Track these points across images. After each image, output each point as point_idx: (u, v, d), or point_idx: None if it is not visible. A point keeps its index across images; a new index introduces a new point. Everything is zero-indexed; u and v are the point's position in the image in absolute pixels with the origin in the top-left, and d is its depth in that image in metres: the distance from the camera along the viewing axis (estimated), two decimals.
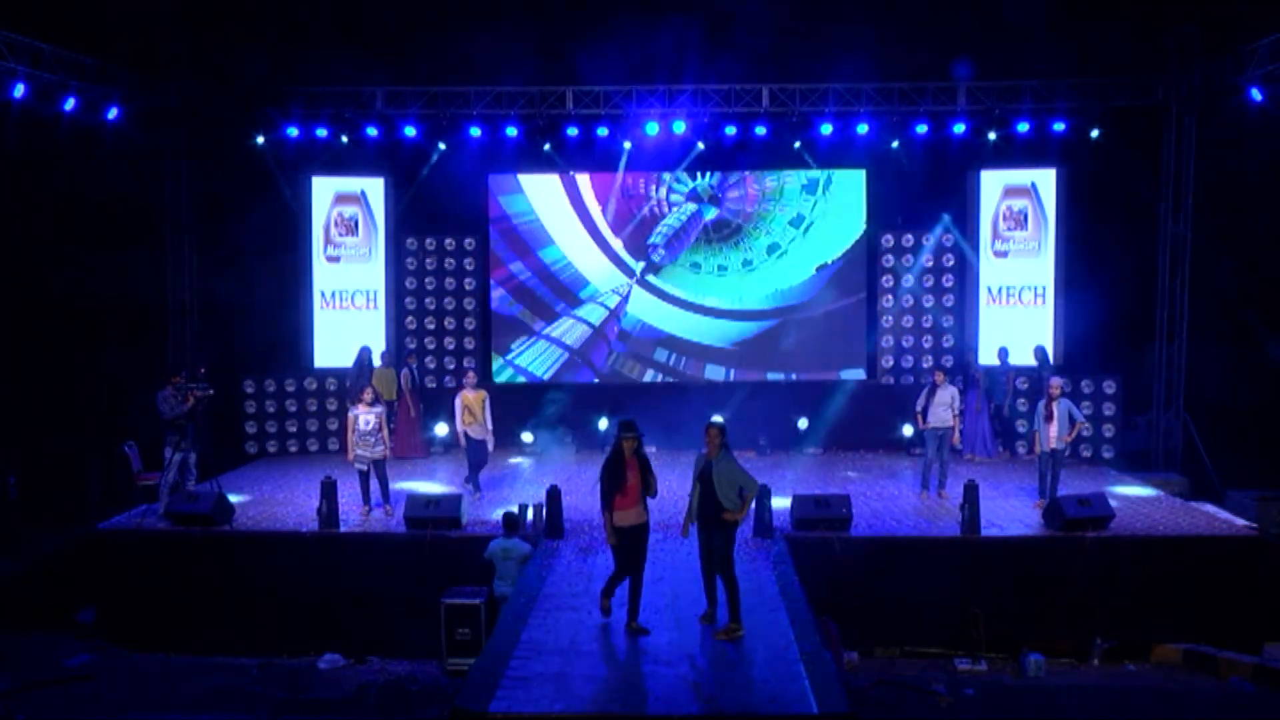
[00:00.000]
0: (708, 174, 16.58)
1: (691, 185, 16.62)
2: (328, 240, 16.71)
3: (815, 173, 16.44)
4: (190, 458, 12.77)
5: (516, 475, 14.75)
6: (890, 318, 16.73)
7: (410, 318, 17.04)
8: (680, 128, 15.38)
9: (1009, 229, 16.41)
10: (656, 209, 16.69)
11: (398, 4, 15.49)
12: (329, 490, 11.66)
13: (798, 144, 15.86)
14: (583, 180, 16.72)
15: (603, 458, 8.66)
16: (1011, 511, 12.35)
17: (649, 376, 16.86)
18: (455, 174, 16.46)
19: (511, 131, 15.60)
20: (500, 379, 16.87)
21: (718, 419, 15.38)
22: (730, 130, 15.68)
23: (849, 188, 16.58)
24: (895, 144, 15.89)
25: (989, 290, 16.45)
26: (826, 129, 15.44)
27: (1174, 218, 15.36)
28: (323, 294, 16.72)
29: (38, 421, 14.22)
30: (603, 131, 15.76)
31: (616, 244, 16.76)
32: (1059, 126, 15.36)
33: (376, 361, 15.69)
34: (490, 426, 13.04)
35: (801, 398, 16.60)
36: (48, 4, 13.24)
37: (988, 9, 14.66)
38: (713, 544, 8.49)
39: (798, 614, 8.83)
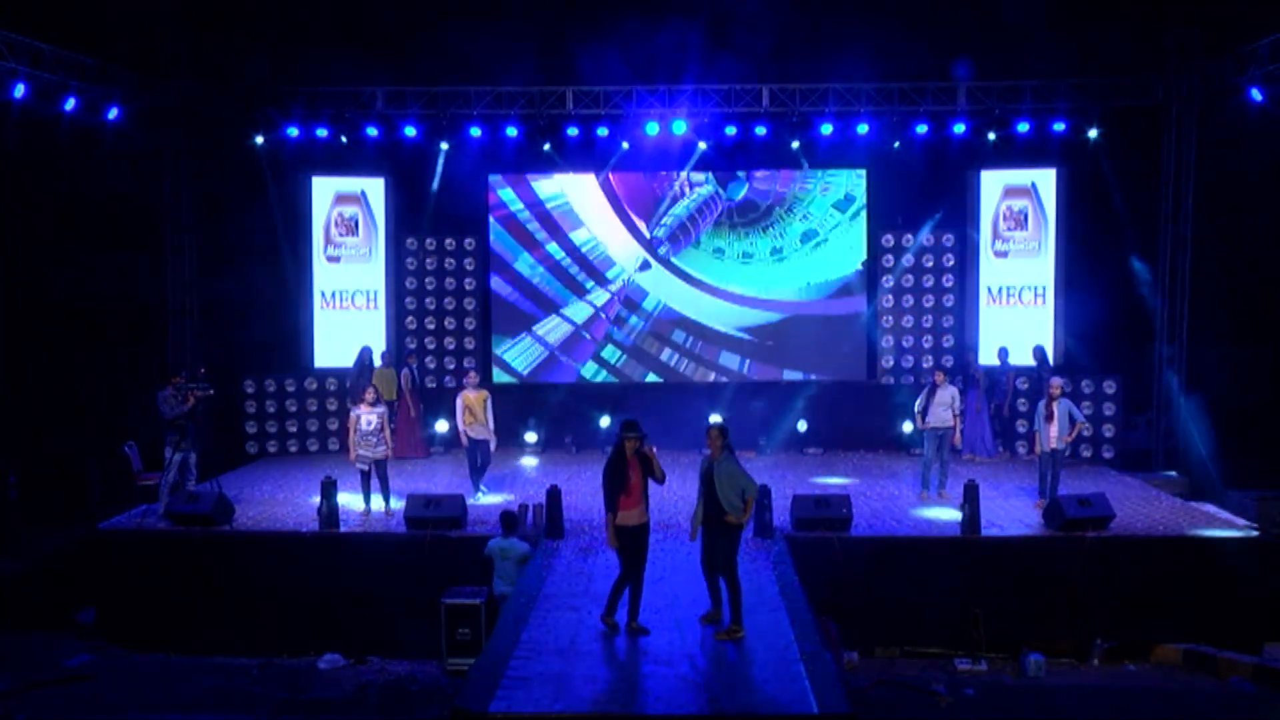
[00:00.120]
0: (707, 174, 16.60)
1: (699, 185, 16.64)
2: (328, 240, 16.71)
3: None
4: (190, 458, 12.76)
5: (518, 475, 14.76)
6: (890, 318, 16.73)
7: (410, 318, 17.04)
8: (680, 128, 15.38)
9: (1009, 229, 16.41)
10: (664, 203, 16.69)
11: (398, 4, 15.49)
12: (329, 490, 11.66)
13: (796, 144, 15.85)
14: (583, 179, 16.72)
15: (603, 458, 8.65)
16: (1011, 511, 12.35)
17: (666, 355, 16.79)
18: (455, 174, 16.46)
19: (511, 131, 15.60)
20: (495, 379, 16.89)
21: (715, 418, 15.52)
22: (730, 130, 15.68)
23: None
24: (896, 144, 15.87)
25: (989, 290, 16.45)
26: (826, 129, 15.45)
27: (1174, 218, 15.35)
28: (323, 294, 16.72)
29: (38, 421, 14.23)
30: (603, 131, 15.76)
31: (617, 240, 16.76)
32: (1059, 126, 15.37)
33: (377, 361, 15.69)
34: (492, 426, 13.03)
35: (803, 398, 16.60)
36: (48, 4, 13.24)
37: (988, 9, 14.65)
38: (715, 545, 8.48)
39: (798, 614, 8.82)
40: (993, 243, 16.46)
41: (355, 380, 15.35)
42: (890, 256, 16.72)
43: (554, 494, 11.56)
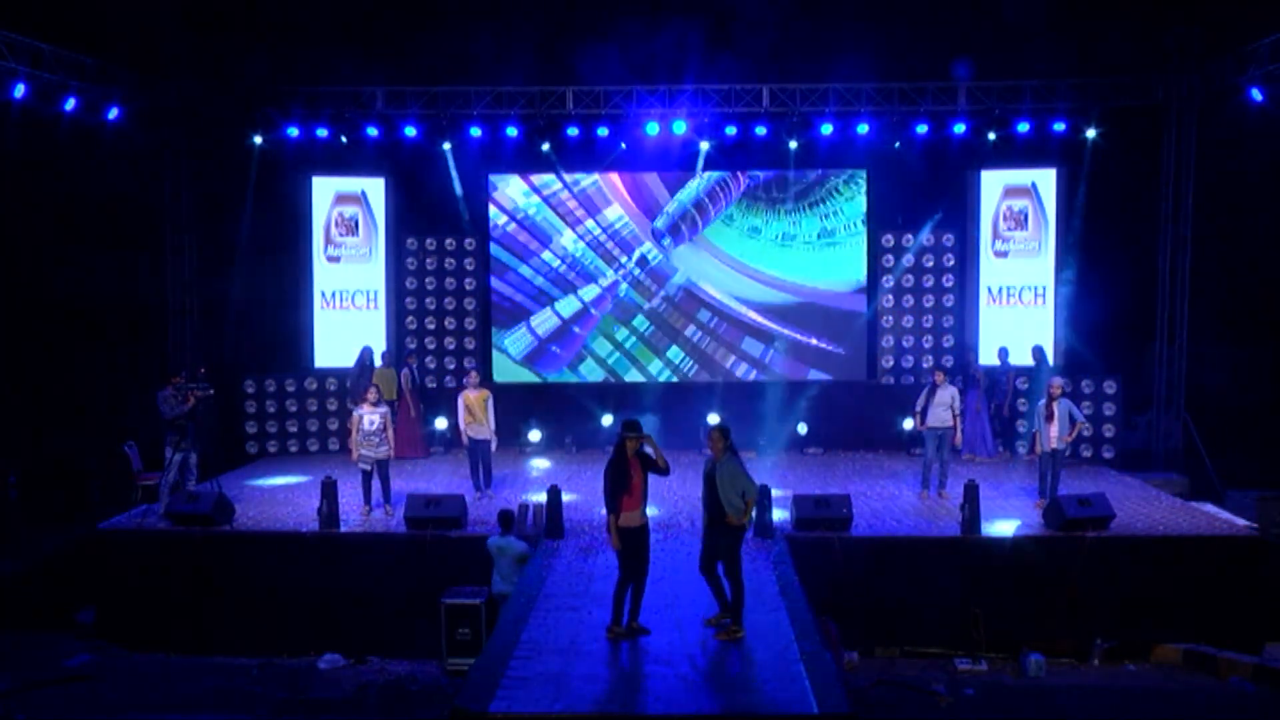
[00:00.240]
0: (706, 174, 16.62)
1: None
2: (328, 240, 16.71)
3: None
4: (191, 458, 12.77)
5: (518, 475, 14.75)
6: (890, 318, 16.73)
7: (410, 318, 17.05)
8: (680, 128, 15.38)
9: (1009, 229, 16.42)
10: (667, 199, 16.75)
11: (398, 4, 15.50)
12: (329, 490, 11.66)
13: (794, 144, 15.86)
14: (583, 179, 16.72)
15: (603, 457, 8.64)
16: (1012, 511, 12.35)
17: (690, 331, 16.77)
18: (455, 174, 16.45)
19: (512, 131, 15.61)
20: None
21: (714, 419, 15.52)
22: (730, 130, 15.68)
23: None
24: (896, 144, 15.87)
25: (989, 290, 16.46)
26: (827, 129, 15.45)
27: (1174, 218, 15.35)
28: (323, 294, 16.72)
29: (38, 421, 14.23)
30: (603, 131, 15.76)
31: (618, 240, 16.77)
32: (1059, 126, 15.37)
33: (377, 362, 15.69)
34: (493, 427, 13.02)
35: (803, 399, 16.60)
36: (48, 4, 13.24)
37: (988, 9, 14.66)
38: (717, 546, 8.48)
39: (798, 614, 8.83)
40: (993, 243, 16.46)
41: (356, 380, 15.35)
42: (890, 256, 16.72)
43: (554, 494, 11.56)
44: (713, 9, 14.85)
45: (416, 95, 15.58)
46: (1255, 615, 10.91)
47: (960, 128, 15.51)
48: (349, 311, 16.78)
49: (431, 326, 17.09)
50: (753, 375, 16.84)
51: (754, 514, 8.60)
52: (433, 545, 11.28)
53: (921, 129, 15.53)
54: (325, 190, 16.65)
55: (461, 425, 12.96)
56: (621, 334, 16.89)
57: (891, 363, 16.74)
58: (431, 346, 17.06)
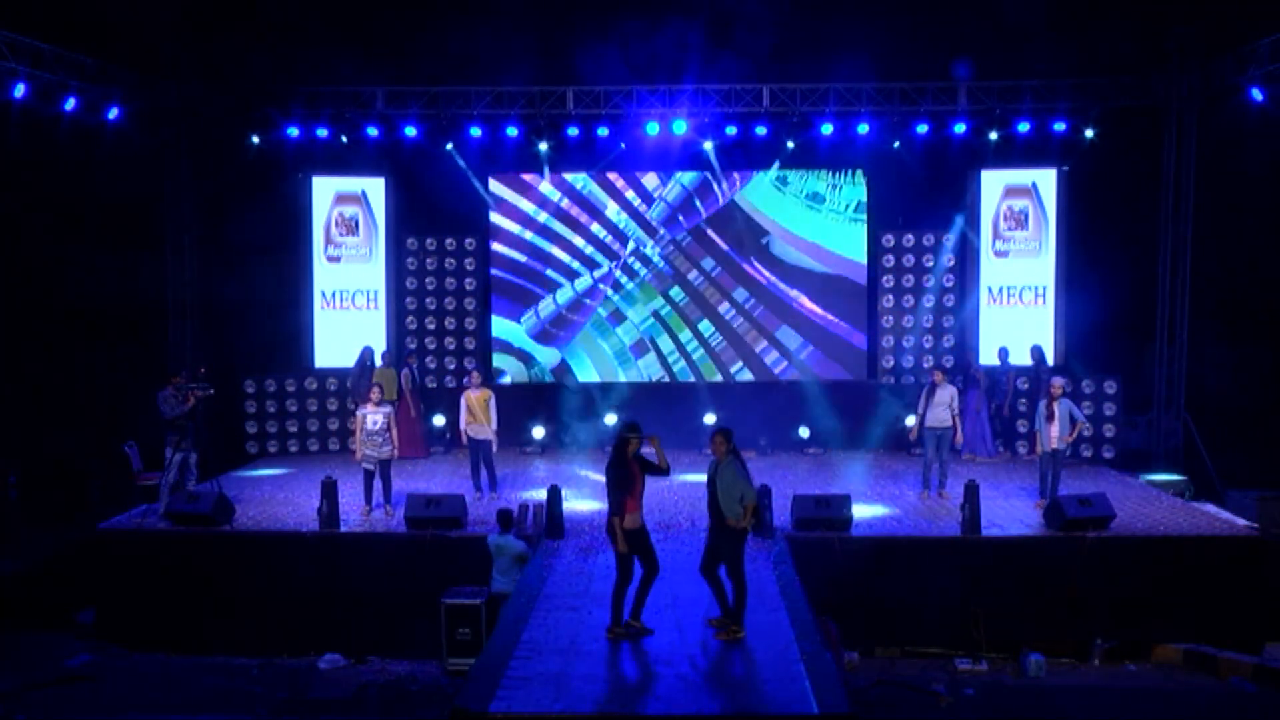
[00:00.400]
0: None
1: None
2: (328, 240, 16.71)
3: None
4: (191, 458, 12.77)
5: (518, 474, 14.74)
6: (890, 318, 16.73)
7: (410, 318, 17.05)
8: (681, 128, 15.38)
9: (1009, 229, 16.42)
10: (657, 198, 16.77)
11: (398, 4, 15.49)
12: (329, 490, 11.65)
13: (791, 144, 15.85)
14: (583, 179, 16.73)
15: (604, 458, 8.63)
16: (1012, 511, 12.35)
17: (724, 309, 16.76)
18: (455, 174, 16.45)
19: (512, 131, 15.61)
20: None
21: (710, 418, 15.51)
22: (731, 130, 15.67)
23: None
24: (896, 144, 15.87)
25: (989, 290, 16.45)
26: (827, 129, 15.44)
27: (1174, 218, 15.35)
28: (323, 294, 16.72)
29: (38, 421, 14.21)
30: (603, 131, 15.76)
31: (618, 239, 16.78)
32: (1059, 126, 15.36)
33: (378, 361, 15.69)
34: (495, 427, 13.02)
35: (803, 399, 16.61)
36: (48, 4, 13.23)
37: (988, 9, 14.64)
38: (719, 548, 8.48)
39: (798, 614, 8.83)
40: (993, 243, 16.46)
41: (356, 380, 15.36)
42: (890, 256, 16.71)
43: (554, 494, 11.56)
44: (713, 9, 14.83)
45: (416, 95, 15.58)
46: (1255, 615, 10.92)
47: (960, 128, 15.51)
48: (349, 311, 16.78)
49: (431, 326, 17.09)
50: (782, 365, 16.83)
51: (754, 518, 8.54)
52: (433, 545, 11.28)
53: (921, 129, 15.53)
54: (325, 190, 16.65)
55: (463, 425, 12.96)
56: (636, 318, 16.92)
57: (891, 363, 16.73)
58: (431, 346, 17.06)
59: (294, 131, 15.59)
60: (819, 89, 15.34)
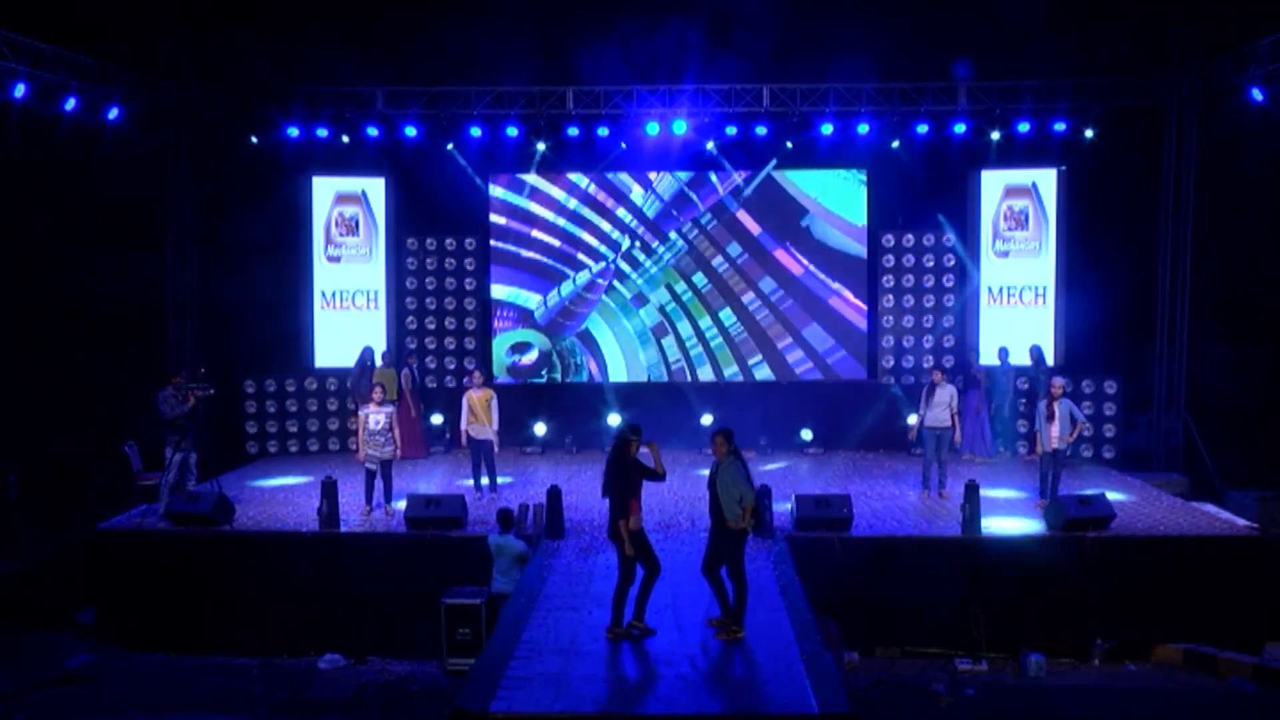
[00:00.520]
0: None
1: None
2: (328, 240, 16.71)
3: None
4: (191, 458, 12.77)
5: (518, 474, 14.74)
6: (890, 318, 16.73)
7: (410, 318, 17.05)
8: (681, 128, 15.38)
9: (1010, 229, 16.41)
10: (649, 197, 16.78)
11: (398, 4, 15.49)
12: (329, 490, 11.65)
13: (790, 144, 15.84)
14: (583, 179, 16.74)
15: (604, 458, 8.61)
16: (1012, 511, 12.35)
17: (749, 298, 16.73)
18: (455, 174, 16.46)
19: (512, 131, 15.61)
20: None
21: (707, 420, 15.50)
22: (731, 130, 15.67)
23: None
24: (896, 144, 15.87)
25: (989, 290, 16.46)
26: (827, 129, 15.44)
27: (1174, 218, 15.35)
28: (323, 294, 16.72)
29: (38, 421, 14.21)
30: (603, 131, 15.77)
31: (617, 239, 16.78)
32: (1059, 126, 15.37)
33: (378, 361, 15.69)
34: (496, 427, 13.01)
35: (803, 398, 16.61)
36: (48, 4, 13.23)
37: (988, 9, 14.64)
38: (720, 548, 8.48)
39: (798, 614, 8.83)
40: (993, 243, 16.46)
41: (357, 380, 15.36)
42: (890, 256, 16.71)
43: (554, 494, 11.56)
44: (713, 9, 14.83)
45: (416, 95, 15.58)
46: (1255, 615, 10.92)
47: (960, 128, 15.52)
48: (349, 311, 16.77)
49: (431, 326, 17.09)
50: (806, 365, 16.82)
51: (753, 519, 8.54)
52: (433, 545, 11.28)
53: (922, 129, 15.54)
54: (325, 190, 16.65)
55: (464, 425, 12.96)
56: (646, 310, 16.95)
57: (891, 363, 16.73)
58: (431, 346, 17.06)
59: (294, 131, 15.60)
60: (819, 89, 15.34)
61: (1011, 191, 16.40)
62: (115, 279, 14.90)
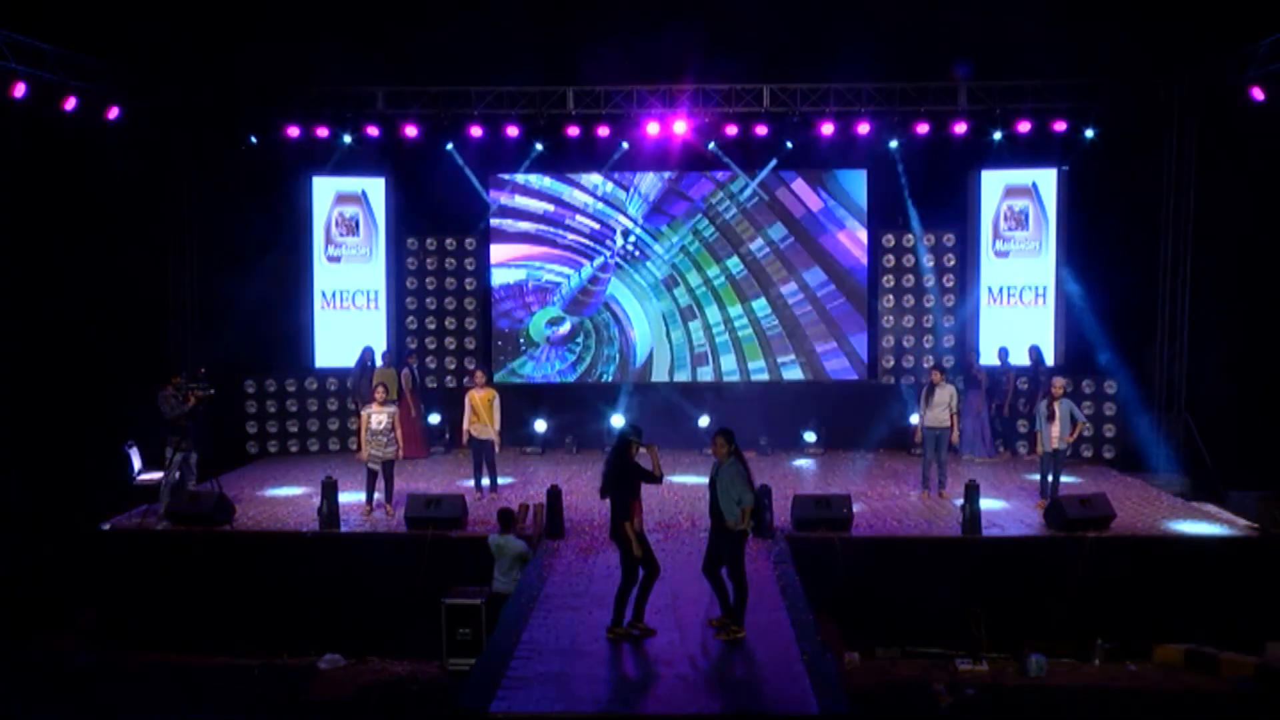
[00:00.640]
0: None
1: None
2: (328, 240, 16.71)
3: None
4: (191, 458, 12.76)
5: (518, 474, 14.74)
6: (890, 318, 16.73)
7: (411, 318, 17.05)
8: (681, 128, 15.37)
9: (1010, 229, 16.41)
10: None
11: (398, 4, 15.48)
12: (329, 490, 11.65)
13: (789, 144, 15.83)
14: (583, 179, 16.74)
15: (604, 458, 8.61)
16: (1012, 511, 12.35)
17: (758, 303, 16.77)
18: (455, 174, 16.45)
19: (512, 131, 15.60)
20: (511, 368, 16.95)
21: (704, 421, 15.50)
22: (731, 130, 15.67)
23: None
24: (895, 144, 15.86)
25: (989, 290, 16.45)
26: (827, 129, 15.44)
27: (1174, 217, 15.33)
28: (323, 294, 16.72)
29: (38, 421, 14.20)
30: (603, 131, 15.75)
31: (618, 238, 16.79)
32: (1060, 126, 15.34)
33: (378, 361, 15.69)
34: (497, 427, 13.00)
35: (803, 399, 16.60)
36: (49, 4, 13.22)
37: (988, 9, 14.63)
38: (720, 549, 8.48)
39: (798, 614, 8.83)
40: (993, 243, 16.46)
41: (357, 380, 15.35)
42: (890, 256, 16.71)
43: (554, 494, 11.56)
44: (713, 9, 14.82)
45: (416, 95, 15.56)
46: (1256, 615, 10.92)
47: (961, 127, 15.49)
48: (349, 311, 16.77)
49: (432, 326, 17.09)
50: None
51: (751, 521, 8.53)
52: (433, 545, 11.28)
53: (922, 129, 15.51)
54: (325, 190, 16.65)
55: (465, 424, 12.95)
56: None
57: (891, 363, 16.73)
58: (432, 346, 17.06)
59: (294, 131, 15.58)
60: (819, 89, 15.32)
61: (1012, 191, 16.39)
62: (115, 279, 14.90)
